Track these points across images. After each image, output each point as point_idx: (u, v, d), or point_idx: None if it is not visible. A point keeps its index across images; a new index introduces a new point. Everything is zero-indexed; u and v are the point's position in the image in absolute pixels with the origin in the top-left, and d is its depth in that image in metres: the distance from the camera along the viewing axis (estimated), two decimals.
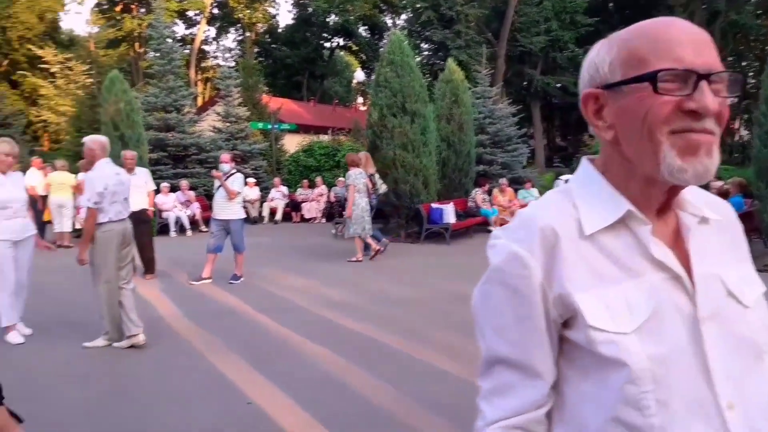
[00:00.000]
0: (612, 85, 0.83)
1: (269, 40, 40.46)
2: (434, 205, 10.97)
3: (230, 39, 42.45)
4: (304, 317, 5.62)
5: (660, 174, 0.79)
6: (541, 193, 13.35)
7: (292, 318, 5.56)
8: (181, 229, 12.64)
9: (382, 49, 39.52)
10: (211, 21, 39.02)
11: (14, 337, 4.88)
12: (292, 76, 38.98)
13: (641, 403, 0.78)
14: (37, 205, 10.29)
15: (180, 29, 36.81)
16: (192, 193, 13.49)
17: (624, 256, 0.83)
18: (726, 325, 0.83)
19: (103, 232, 4.59)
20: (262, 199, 15.11)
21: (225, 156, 7.39)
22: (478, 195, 12.59)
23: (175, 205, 12.68)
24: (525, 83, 31.01)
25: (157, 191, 10.93)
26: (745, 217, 7.63)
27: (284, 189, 15.69)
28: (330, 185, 15.25)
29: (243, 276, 7.38)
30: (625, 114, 0.82)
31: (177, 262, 8.71)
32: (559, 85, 29.81)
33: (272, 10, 39.29)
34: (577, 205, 0.87)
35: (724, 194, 8.87)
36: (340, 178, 15.01)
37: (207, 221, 13.13)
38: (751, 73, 26.41)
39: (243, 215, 7.49)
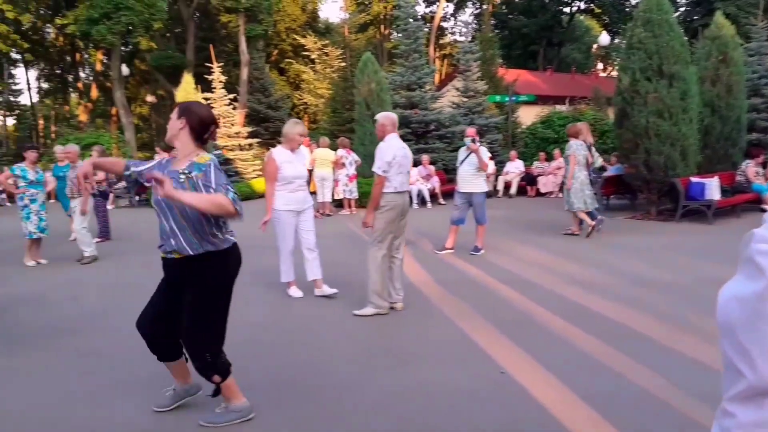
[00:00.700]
0: None
1: (505, 11, 39.85)
2: (694, 179, 9.79)
3: (467, 13, 42.82)
4: (548, 293, 5.52)
5: None
6: None
7: (536, 293, 5.51)
8: (422, 202, 13.35)
9: (628, 9, 36.37)
10: None
11: (295, 292, 5.65)
12: (528, 45, 37.92)
13: None
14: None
15: (420, 8, 38.23)
16: (432, 168, 14.10)
17: None
18: None
19: (386, 201, 4.82)
20: (497, 173, 15.13)
21: (471, 130, 7.54)
22: (749, 168, 10.87)
23: (417, 179, 13.40)
24: None
25: None
26: None
27: (520, 163, 15.50)
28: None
29: (483, 248, 7.53)
30: None
31: (420, 232, 9.25)
32: None
33: None
34: None
35: None
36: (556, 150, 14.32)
37: (445, 194, 13.68)
38: None
39: (486, 188, 7.60)
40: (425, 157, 14.02)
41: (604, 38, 23.87)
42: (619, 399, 3.19)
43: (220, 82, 18.46)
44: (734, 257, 0.88)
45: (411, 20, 16.36)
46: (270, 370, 3.76)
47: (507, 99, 17.17)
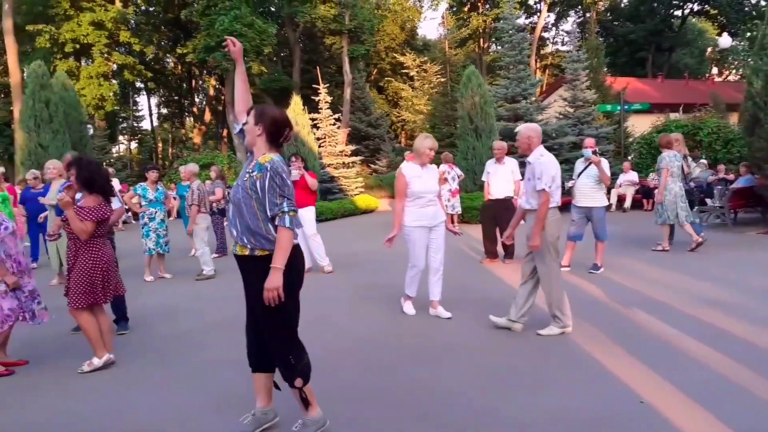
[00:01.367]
0: None
1: (610, 17, 38.35)
2: None
3: (569, 22, 41.62)
4: (680, 313, 5.12)
5: None
6: None
7: (667, 313, 5.12)
8: None
9: (748, 9, 33.68)
10: (551, 7, 38.91)
11: (409, 309, 5.56)
12: (635, 52, 36.19)
13: None
14: None
15: (520, 20, 37.68)
16: None
17: None
18: None
19: (552, 216, 4.66)
20: (610, 186, 14.41)
21: (590, 141, 7.23)
22: None
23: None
24: None
25: None
26: None
27: (634, 174, 14.69)
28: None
29: (603, 266, 7.14)
30: None
31: None
32: None
33: None
34: None
35: None
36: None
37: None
38: None
39: (606, 202, 7.24)
40: None
41: (725, 40, 22.20)
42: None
43: (326, 102, 19.05)
44: None
45: (515, 32, 16.12)
46: (388, 389, 3.73)
47: (618, 108, 16.39)
